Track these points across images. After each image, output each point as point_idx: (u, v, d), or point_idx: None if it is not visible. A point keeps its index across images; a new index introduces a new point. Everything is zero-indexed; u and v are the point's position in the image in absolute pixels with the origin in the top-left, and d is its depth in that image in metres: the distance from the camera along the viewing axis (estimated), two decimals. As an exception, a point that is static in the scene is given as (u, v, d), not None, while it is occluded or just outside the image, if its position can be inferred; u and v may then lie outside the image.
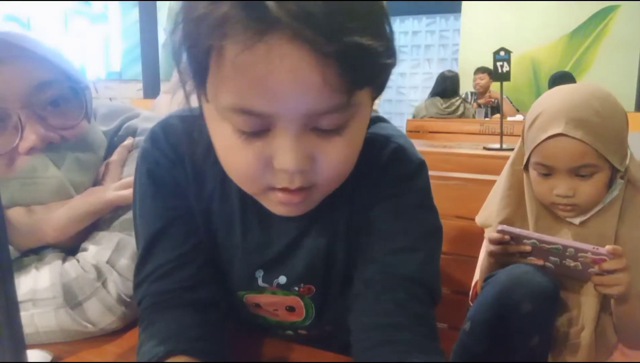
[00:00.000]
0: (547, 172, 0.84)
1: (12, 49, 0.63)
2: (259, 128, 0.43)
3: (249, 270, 0.61)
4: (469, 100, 4.66)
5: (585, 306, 0.86)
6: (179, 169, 0.57)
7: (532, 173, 0.88)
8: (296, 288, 0.63)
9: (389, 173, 0.57)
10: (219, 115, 0.44)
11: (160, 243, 0.57)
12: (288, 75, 0.39)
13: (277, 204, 0.49)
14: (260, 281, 0.62)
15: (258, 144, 0.44)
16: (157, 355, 0.51)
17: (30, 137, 0.65)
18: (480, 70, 4.50)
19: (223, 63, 0.40)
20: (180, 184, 0.58)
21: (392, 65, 0.44)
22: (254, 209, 0.58)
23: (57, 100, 0.68)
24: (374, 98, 0.48)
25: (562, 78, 3.72)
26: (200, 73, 0.42)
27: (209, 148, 0.54)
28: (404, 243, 0.56)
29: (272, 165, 0.45)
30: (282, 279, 0.61)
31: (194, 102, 0.50)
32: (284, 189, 0.46)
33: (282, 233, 0.59)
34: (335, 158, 0.46)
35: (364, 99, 0.45)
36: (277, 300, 0.64)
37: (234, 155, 0.46)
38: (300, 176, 0.45)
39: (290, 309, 0.66)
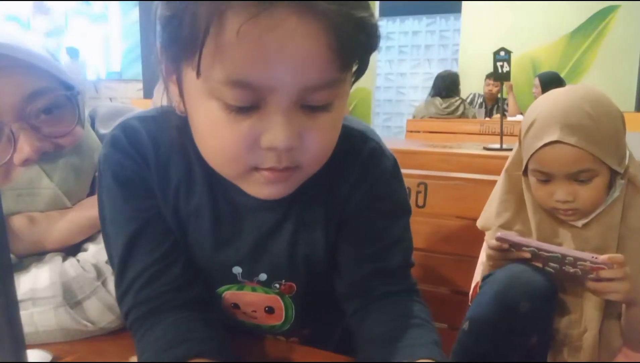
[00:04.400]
0: (546, 178, 0.84)
1: (2, 59, 0.62)
2: (250, 103, 0.43)
3: (225, 264, 0.60)
4: (475, 101, 4.64)
5: (587, 309, 0.85)
6: (144, 169, 0.56)
7: (531, 178, 0.87)
8: (277, 285, 0.62)
9: (371, 173, 0.59)
10: (206, 92, 0.43)
11: (138, 246, 0.56)
12: (292, 47, 0.40)
13: (261, 186, 0.49)
14: (239, 277, 0.61)
15: (246, 122, 0.44)
16: (166, 360, 0.49)
17: (24, 149, 0.64)
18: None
19: (224, 33, 0.39)
20: (148, 184, 0.57)
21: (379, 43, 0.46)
22: (225, 200, 0.57)
23: (50, 108, 0.67)
24: (354, 80, 0.49)
25: (553, 81, 3.72)
26: (193, 44, 0.41)
27: (172, 144, 0.55)
28: (393, 238, 0.60)
29: (258, 144, 0.45)
30: (263, 276, 0.61)
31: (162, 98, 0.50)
32: (270, 169, 0.46)
33: (256, 224, 0.59)
34: (322, 135, 0.47)
35: (349, 76, 0.47)
36: (256, 298, 0.64)
37: (219, 134, 0.45)
38: (287, 154, 0.45)
39: (270, 310, 0.65)
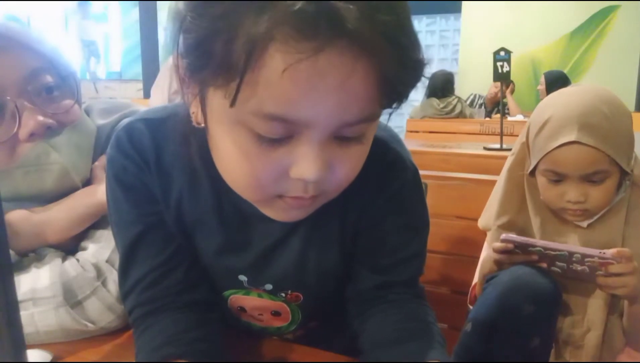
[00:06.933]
0: (558, 178, 0.83)
1: (1, 39, 0.65)
2: (283, 135, 0.41)
3: (230, 270, 0.60)
4: (476, 102, 4.64)
5: (591, 309, 0.85)
6: (145, 173, 0.55)
7: (541, 179, 0.87)
8: (283, 295, 0.62)
9: (389, 186, 0.57)
10: (236, 119, 0.41)
11: (139, 250, 0.56)
12: (343, 88, 0.38)
13: (282, 211, 0.48)
14: (245, 284, 0.61)
15: (277, 152, 0.42)
16: (153, 360, 0.50)
17: (28, 123, 0.66)
18: None
19: (266, 69, 0.36)
20: (150, 189, 0.56)
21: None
22: (233, 208, 0.56)
23: (51, 87, 0.69)
24: (391, 111, 0.47)
25: (558, 80, 3.73)
26: (226, 75, 0.38)
27: (177, 151, 0.53)
28: (408, 253, 0.59)
29: (287, 173, 0.43)
30: (268, 286, 0.61)
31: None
32: (296, 197, 0.45)
33: (264, 234, 0.58)
34: (351, 165, 0.46)
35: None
36: (262, 303, 0.64)
37: (247, 162, 0.43)
38: (315, 184, 0.44)
39: (276, 314, 0.65)
